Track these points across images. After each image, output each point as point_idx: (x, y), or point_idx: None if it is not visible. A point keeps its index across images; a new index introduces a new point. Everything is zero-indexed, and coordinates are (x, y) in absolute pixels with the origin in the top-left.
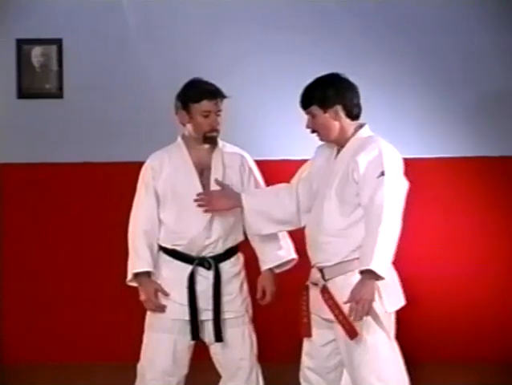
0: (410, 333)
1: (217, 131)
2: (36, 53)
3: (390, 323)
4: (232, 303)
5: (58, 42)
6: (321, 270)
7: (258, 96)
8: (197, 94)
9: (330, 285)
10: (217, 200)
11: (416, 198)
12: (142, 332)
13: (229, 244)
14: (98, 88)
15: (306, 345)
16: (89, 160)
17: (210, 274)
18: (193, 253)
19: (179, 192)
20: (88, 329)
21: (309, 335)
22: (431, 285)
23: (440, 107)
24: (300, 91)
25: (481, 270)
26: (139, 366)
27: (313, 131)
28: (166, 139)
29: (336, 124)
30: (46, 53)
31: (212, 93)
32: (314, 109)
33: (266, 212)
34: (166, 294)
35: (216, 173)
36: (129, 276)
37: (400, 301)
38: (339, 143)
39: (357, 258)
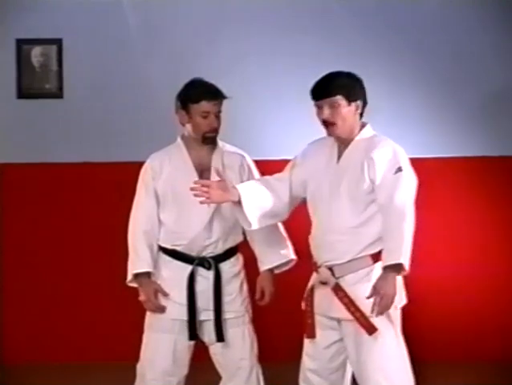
0: (410, 333)
1: (216, 131)
2: (36, 53)
3: (398, 320)
4: (232, 303)
5: (58, 42)
6: (330, 269)
7: (258, 96)
8: (197, 94)
9: (341, 282)
10: (214, 191)
11: (416, 198)
12: (142, 332)
13: (229, 244)
14: (98, 88)
15: (309, 346)
16: (89, 160)
17: (210, 274)
18: (193, 253)
19: (179, 193)
20: (88, 329)
21: (313, 336)
22: (431, 284)
23: (440, 107)
24: (300, 90)
25: (481, 270)
26: (139, 366)
27: (325, 124)
28: (166, 139)
29: (354, 120)
30: (46, 53)
31: (211, 94)
32: (340, 99)
33: (263, 207)
34: (165, 295)
35: (216, 173)
36: (129, 276)
37: (404, 299)
38: (344, 140)
39: (369, 255)
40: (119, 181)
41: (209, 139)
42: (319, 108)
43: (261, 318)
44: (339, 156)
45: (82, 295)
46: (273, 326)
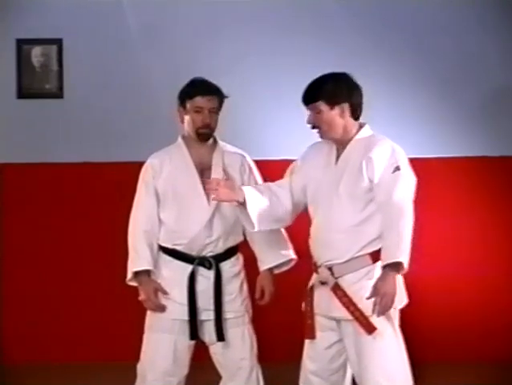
0: (410, 333)
1: (209, 127)
2: (36, 53)
3: (396, 319)
4: (232, 303)
5: (58, 42)
6: (330, 268)
7: (258, 96)
8: (191, 90)
9: (340, 282)
10: (222, 189)
11: (416, 198)
12: (142, 332)
13: (230, 243)
14: (98, 88)
15: (309, 348)
16: (89, 160)
17: (211, 274)
18: (194, 253)
19: (179, 192)
20: (88, 329)
21: (313, 337)
22: (431, 284)
23: (440, 106)
24: (300, 90)
25: (481, 270)
26: (139, 366)
27: (313, 127)
28: (166, 139)
29: (341, 122)
30: (46, 53)
31: (205, 89)
32: (320, 104)
33: (267, 210)
34: (165, 293)
35: (216, 173)
36: (129, 275)
37: (404, 299)
38: (341, 141)
39: (368, 254)
40: (119, 181)
41: (202, 136)
42: (308, 111)
43: (261, 318)
44: (338, 157)
45: (82, 295)
46: (273, 326)
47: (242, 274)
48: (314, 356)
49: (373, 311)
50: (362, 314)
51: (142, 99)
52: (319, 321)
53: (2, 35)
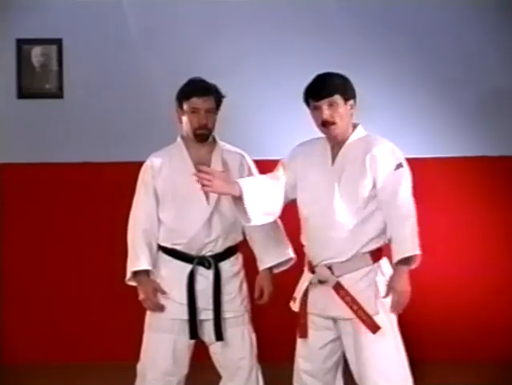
0: (410, 333)
1: (205, 128)
2: (36, 53)
3: (395, 319)
4: (231, 303)
5: (58, 42)
6: (329, 267)
7: (258, 96)
8: (188, 91)
9: (341, 281)
10: (217, 181)
11: (416, 198)
12: (142, 332)
13: (229, 243)
14: (98, 88)
15: (302, 348)
16: (89, 160)
17: (210, 273)
18: (193, 252)
19: (178, 192)
20: (88, 329)
21: (305, 336)
22: (431, 285)
23: (440, 107)
24: (300, 90)
25: (481, 270)
26: (139, 366)
27: (324, 124)
28: (166, 139)
29: (350, 119)
30: (46, 53)
31: (200, 90)
32: (337, 98)
33: (262, 203)
34: (164, 293)
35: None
36: (128, 275)
37: None
38: (339, 141)
39: (368, 253)
40: (119, 181)
41: (200, 136)
42: (317, 109)
43: (260, 318)
44: (334, 157)
45: (82, 295)
46: (273, 326)
47: (242, 274)
48: (307, 356)
49: (390, 309)
50: (366, 313)
51: (142, 99)
52: (314, 320)
53: (2, 35)
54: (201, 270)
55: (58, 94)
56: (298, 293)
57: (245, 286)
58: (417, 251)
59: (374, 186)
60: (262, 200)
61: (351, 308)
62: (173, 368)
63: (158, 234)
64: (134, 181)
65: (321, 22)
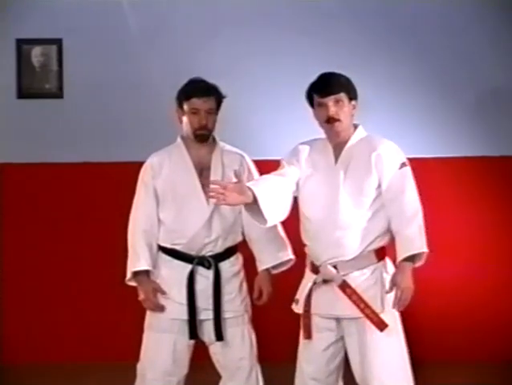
0: (410, 332)
1: (205, 128)
2: (36, 53)
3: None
4: (231, 303)
5: (58, 42)
6: (334, 266)
7: (258, 96)
8: (188, 91)
9: (347, 280)
10: (230, 193)
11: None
12: (142, 332)
13: (229, 243)
14: (98, 88)
15: (305, 350)
16: (89, 160)
17: (210, 273)
18: (193, 252)
19: (178, 192)
20: (88, 329)
21: (309, 337)
22: (431, 284)
23: (440, 107)
24: (300, 90)
25: (481, 270)
26: (139, 366)
27: (328, 121)
28: (166, 140)
29: (351, 118)
30: (46, 53)
31: (200, 90)
32: (343, 96)
33: (276, 203)
34: (164, 293)
35: (215, 173)
36: (128, 275)
37: None
38: (342, 138)
39: (373, 251)
40: (119, 181)
41: (200, 137)
42: (322, 106)
43: (260, 318)
44: (336, 157)
45: (82, 295)
46: (272, 326)
47: (242, 274)
48: (310, 358)
49: (394, 305)
50: (373, 311)
51: (142, 99)
52: (316, 322)
53: (2, 35)
54: (200, 270)
55: (58, 94)
56: (301, 294)
57: (245, 286)
58: (425, 249)
59: (379, 184)
60: (275, 200)
61: (357, 306)
62: (173, 368)
63: (158, 234)
64: (134, 181)
65: (321, 23)
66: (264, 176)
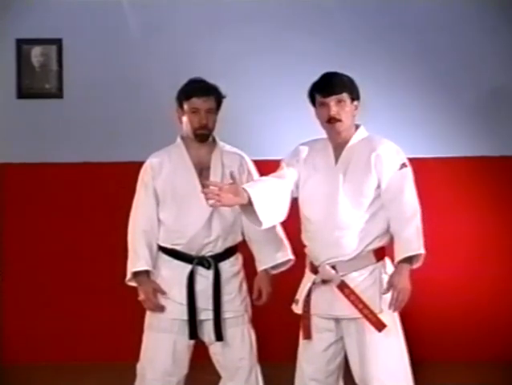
0: (410, 332)
1: (206, 128)
2: (36, 53)
3: (399, 319)
4: (231, 303)
5: (58, 42)
6: (333, 267)
7: (258, 96)
8: (188, 91)
9: (345, 280)
10: (225, 194)
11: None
12: (142, 332)
13: (229, 243)
14: (98, 88)
15: (305, 351)
16: (89, 160)
17: (210, 273)
18: (193, 253)
19: (178, 192)
20: (88, 329)
21: (309, 337)
22: (431, 285)
23: (440, 107)
24: (300, 90)
25: (480, 270)
26: (139, 366)
27: (330, 121)
28: (166, 140)
29: (353, 118)
30: (46, 53)
31: (200, 90)
32: (344, 96)
33: (272, 206)
34: (164, 293)
35: (215, 173)
36: (128, 275)
37: None
38: (343, 139)
39: (372, 251)
40: (119, 181)
41: (200, 136)
42: (324, 106)
43: (260, 318)
44: (337, 158)
45: (82, 295)
46: (272, 326)
47: (242, 274)
48: (310, 359)
49: (390, 306)
50: (371, 311)
51: (142, 99)
52: (316, 322)
53: (2, 35)
54: (200, 270)
55: (58, 94)
56: (301, 294)
57: (244, 286)
58: (422, 250)
59: (379, 185)
60: (271, 203)
61: (356, 306)
62: (173, 368)
63: (158, 235)
64: (134, 181)
65: (322, 22)
66: (261, 178)
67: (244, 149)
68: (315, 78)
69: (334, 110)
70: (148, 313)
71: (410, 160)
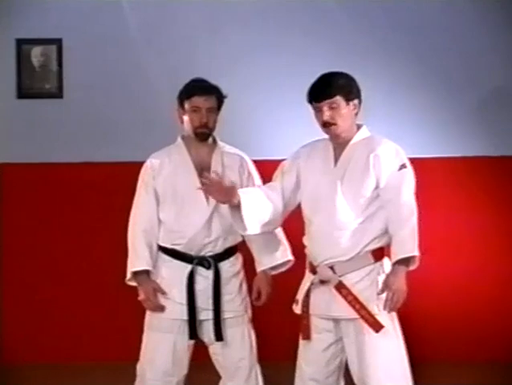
0: (410, 332)
1: (206, 127)
2: (36, 53)
3: (397, 320)
4: (231, 303)
5: (58, 42)
6: (331, 267)
7: (258, 96)
8: (189, 90)
9: (343, 281)
10: (215, 190)
11: (416, 198)
12: (142, 332)
13: (229, 243)
14: (98, 88)
15: (304, 351)
16: (89, 160)
17: (210, 274)
18: (193, 253)
19: (178, 192)
20: (88, 329)
21: (308, 337)
22: (431, 285)
23: (440, 107)
24: (300, 90)
25: (481, 270)
26: (138, 366)
27: (325, 125)
28: (166, 140)
29: (353, 119)
30: (46, 53)
31: (202, 89)
32: (338, 100)
33: (260, 215)
34: (164, 293)
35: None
36: (128, 275)
37: None
38: (341, 141)
39: (370, 252)
40: (119, 181)
41: (201, 135)
42: (318, 110)
43: (260, 318)
44: (336, 158)
45: (82, 295)
46: (272, 326)
47: (242, 274)
48: (310, 359)
49: (384, 307)
50: (368, 312)
51: (142, 99)
52: (315, 323)
53: (2, 35)
54: (200, 270)
55: (58, 94)
56: (300, 295)
57: (244, 286)
58: (416, 252)
59: (377, 186)
60: (260, 210)
61: (353, 307)
62: (173, 368)
63: (158, 234)
64: (134, 181)
65: (322, 22)
66: (256, 188)
67: (244, 149)
68: (315, 78)
69: (327, 114)
70: (148, 313)
71: (410, 159)
